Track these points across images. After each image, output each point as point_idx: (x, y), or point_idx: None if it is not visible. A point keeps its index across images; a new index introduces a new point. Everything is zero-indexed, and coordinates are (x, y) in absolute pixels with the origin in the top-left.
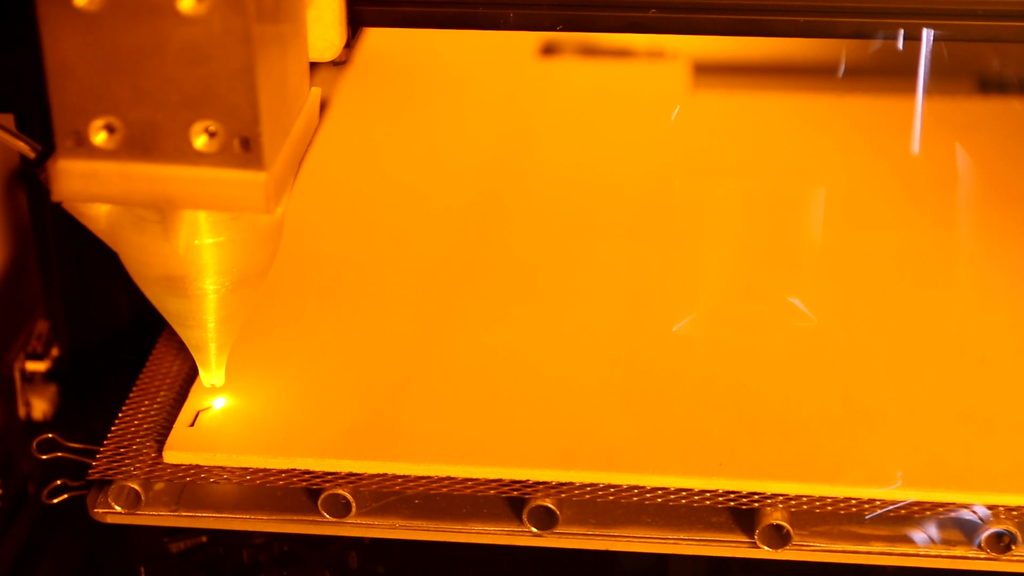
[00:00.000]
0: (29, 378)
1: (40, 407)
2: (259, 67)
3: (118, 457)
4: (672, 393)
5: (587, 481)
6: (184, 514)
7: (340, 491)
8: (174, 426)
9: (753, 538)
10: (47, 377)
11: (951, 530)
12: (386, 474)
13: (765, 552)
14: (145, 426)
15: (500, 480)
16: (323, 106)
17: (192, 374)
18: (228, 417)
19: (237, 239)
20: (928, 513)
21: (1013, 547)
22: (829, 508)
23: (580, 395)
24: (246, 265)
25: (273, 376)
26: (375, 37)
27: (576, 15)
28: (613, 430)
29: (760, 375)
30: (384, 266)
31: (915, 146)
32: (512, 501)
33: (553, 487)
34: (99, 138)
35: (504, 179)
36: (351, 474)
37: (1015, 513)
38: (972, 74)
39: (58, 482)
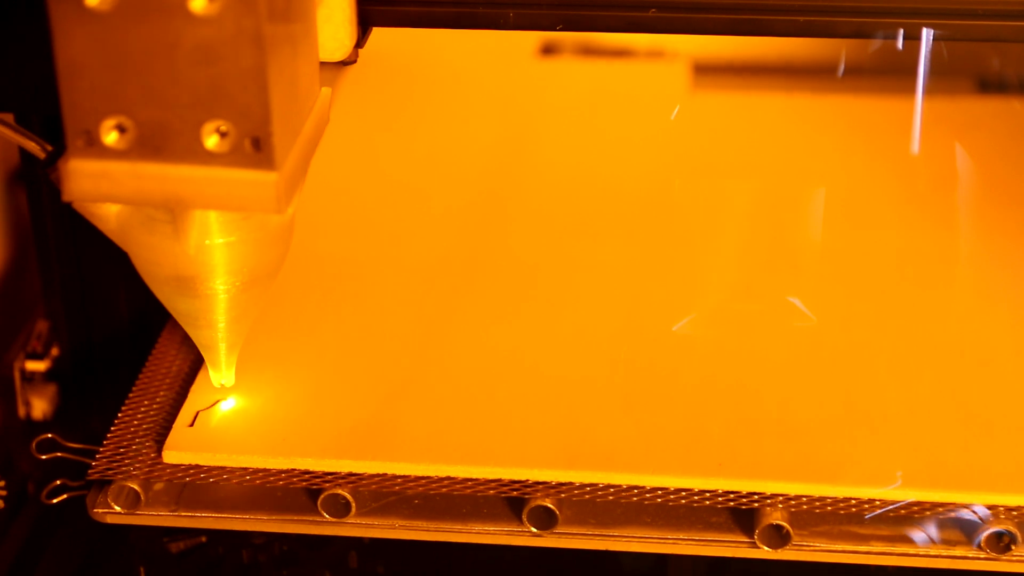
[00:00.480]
0: (29, 378)
1: (40, 407)
2: (270, 67)
3: (118, 457)
4: (672, 393)
5: (587, 481)
6: (184, 514)
7: (340, 491)
8: (173, 426)
9: (753, 538)
10: (47, 377)
11: (951, 530)
12: (386, 474)
13: (765, 552)
14: (145, 426)
15: (500, 480)
16: None
17: (192, 374)
18: (228, 417)
19: (248, 239)
20: (928, 513)
21: (1013, 547)
22: (829, 508)
23: (580, 395)
24: (256, 265)
25: (273, 376)
26: (374, 36)
27: (576, 15)
28: (613, 430)
29: (760, 375)
30: (384, 266)
31: (915, 146)
32: (512, 501)
33: (553, 487)
34: (110, 138)
35: (504, 179)
36: (351, 474)
37: (1015, 513)
38: (972, 74)
39: (58, 482)
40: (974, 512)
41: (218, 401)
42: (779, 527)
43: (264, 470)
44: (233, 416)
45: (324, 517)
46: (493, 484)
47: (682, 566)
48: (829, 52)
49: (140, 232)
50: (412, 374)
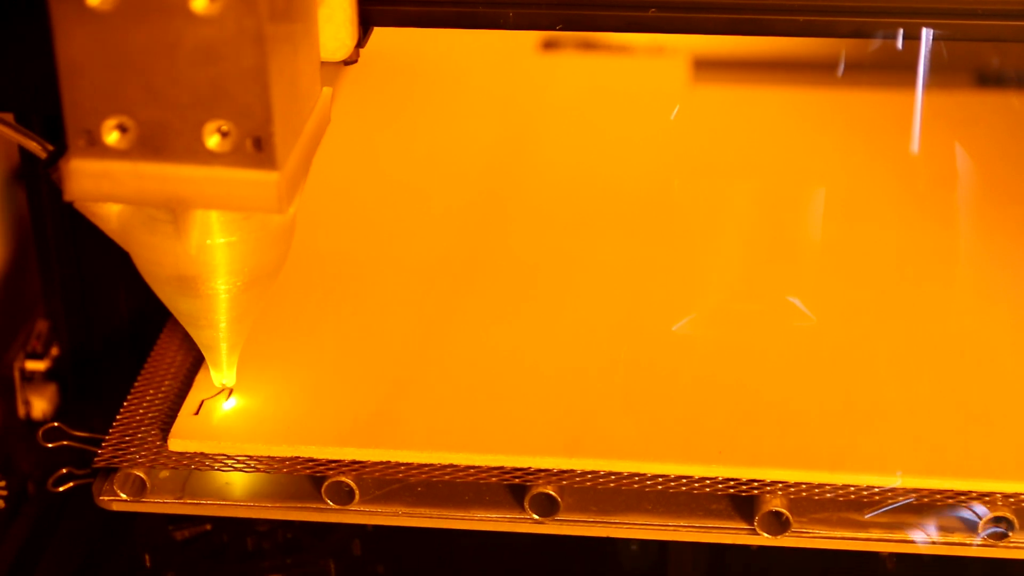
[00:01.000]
0: (29, 377)
1: (40, 406)
2: (271, 67)
3: (123, 445)
4: (672, 382)
5: (588, 469)
6: (189, 502)
7: (344, 479)
8: (179, 414)
9: (752, 525)
10: (47, 376)
11: (949, 518)
12: (389, 462)
13: (764, 539)
14: (150, 415)
15: (502, 468)
16: None
17: (196, 363)
18: (233, 406)
19: (249, 239)
20: (926, 501)
21: (1010, 534)
22: (828, 495)
23: (581, 384)
24: (258, 265)
25: (278, 366)
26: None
27: (576, 14)
28: (614, 418)
29: (760, 364)
30: (387, 260)
31: (914, 141)
32: (514, 488)
33: (555, 475)
34: (111, 138)
35: (504, 175)
36: (354, 462)
37: (1011, 500)
38: (970, 69)
39: (64, 471)
40: (972, 511)
41: (224, 389)
42: (779, 514)
43: (268, 458)
44: (238, 405)
45: (328, 504)
46: (495, 472)
47: (682, 553)
48: (829, 47)
49: (141, 232)
50: (415, 364)
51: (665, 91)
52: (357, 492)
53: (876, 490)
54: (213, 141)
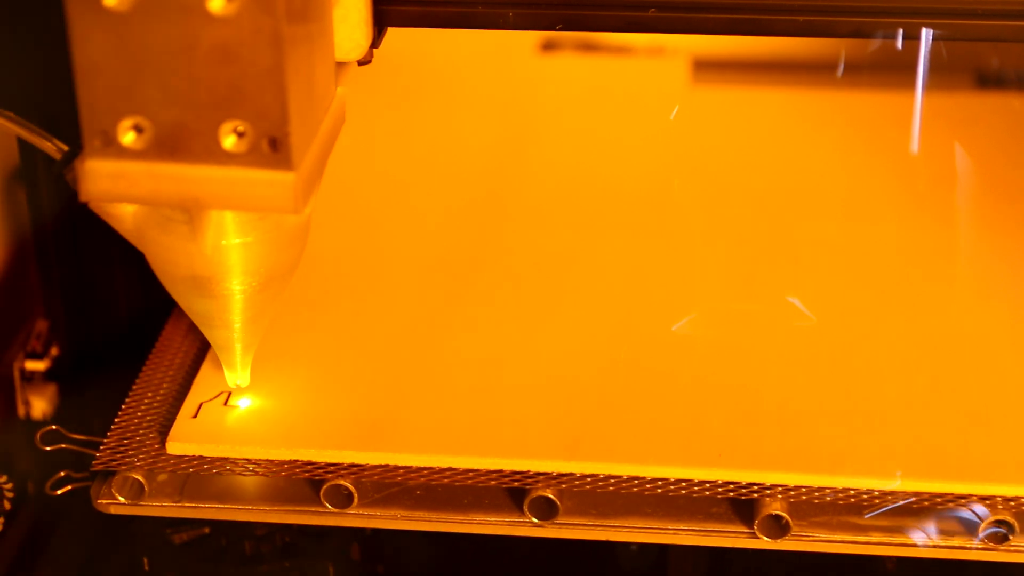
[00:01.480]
0: (28, 377)
1: (39, 406)
2: (288, 67)
3: (121, 448)
4: (672, 384)
5: (587, 472)
6: (187, 505)
7: (342, 482)
8: (177, 417)
9: (752, 528)
10: (46, 376)
11: (950, 521)
12: (388, 465)
13: (764, 542)
14: (148, 417)
15: (501, 471)
16: None
17: (195, 366)
18: (231, 409)
19: (264, 239)
20: (927, 504)
21: (1011, 537)
22: (828, 499)
23: (581, 387)
24: (273, 265)
25: (276, 369)
26: None
27: (575, 14)
28: (613, 421)
29: (760, 367)
30: (385, 261)
31: (914, 141)
32: (513, 492)
33: (554, 478)
34: (127, 138)
35: (504, 175)
36: (353, 465)
37: (1012, 503)
38: (971, 70)
39: (62, 473)
40: (973, 512)
41: (222, 393)
42: (778, 517)
43: (267, 461)
44: (236, 408)
45: (327, 508)
46: (495, 475)
47: (683, 557)
48: (829, 48)
49: (156, 232)
50: (414, 366)
51: (665, 92)
52: (356, 495)
53: (876, 493)
54: (229, 141)
